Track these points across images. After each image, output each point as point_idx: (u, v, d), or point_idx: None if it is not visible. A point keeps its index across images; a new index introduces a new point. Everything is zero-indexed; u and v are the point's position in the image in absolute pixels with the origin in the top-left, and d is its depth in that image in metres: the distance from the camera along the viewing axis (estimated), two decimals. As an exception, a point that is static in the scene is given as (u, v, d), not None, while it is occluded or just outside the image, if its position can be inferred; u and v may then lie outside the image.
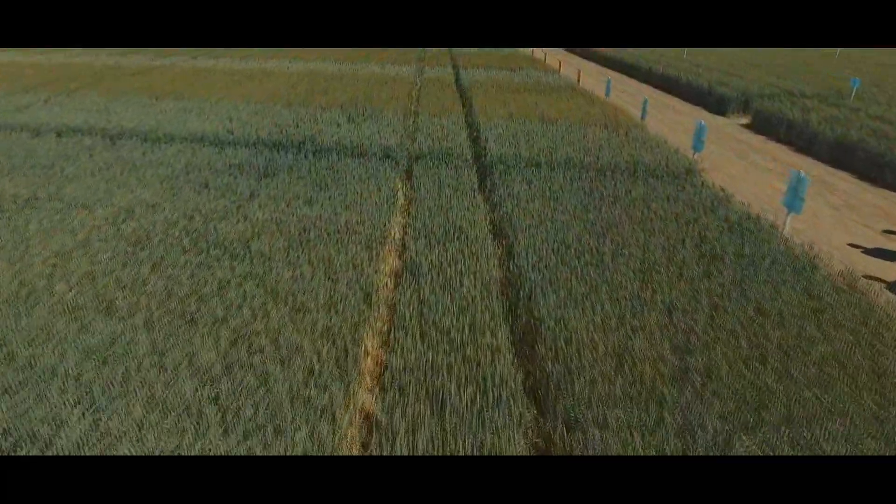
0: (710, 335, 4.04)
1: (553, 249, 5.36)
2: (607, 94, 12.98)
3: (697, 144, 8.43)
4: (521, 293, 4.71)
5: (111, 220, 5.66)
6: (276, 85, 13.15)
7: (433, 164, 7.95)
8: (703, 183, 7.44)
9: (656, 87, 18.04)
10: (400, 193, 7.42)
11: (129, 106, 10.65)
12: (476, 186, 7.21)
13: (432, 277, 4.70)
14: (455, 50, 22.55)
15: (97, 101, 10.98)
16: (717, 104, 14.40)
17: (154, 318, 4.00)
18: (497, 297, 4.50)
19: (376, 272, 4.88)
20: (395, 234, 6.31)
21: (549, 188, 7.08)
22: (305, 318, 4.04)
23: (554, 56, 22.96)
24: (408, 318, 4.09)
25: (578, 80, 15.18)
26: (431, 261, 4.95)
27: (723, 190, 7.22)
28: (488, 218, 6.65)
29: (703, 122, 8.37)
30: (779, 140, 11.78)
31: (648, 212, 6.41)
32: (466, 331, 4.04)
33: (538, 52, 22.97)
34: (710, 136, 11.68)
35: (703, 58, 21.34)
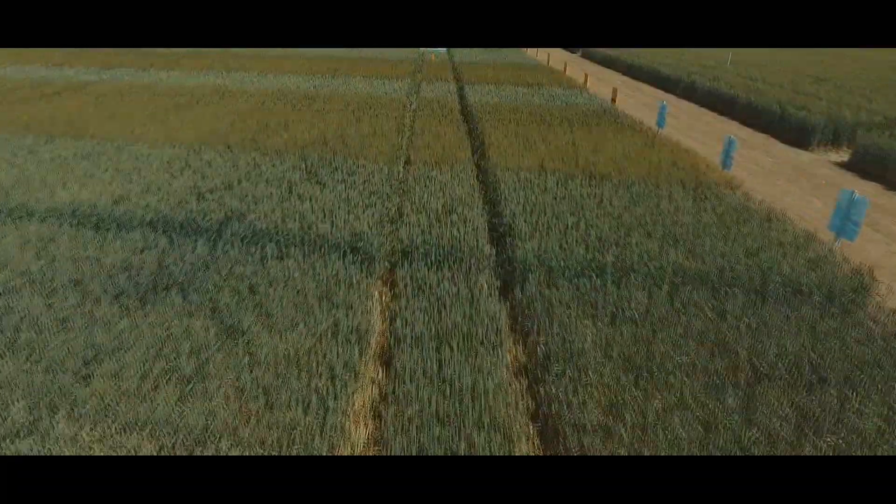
0: None
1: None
2: (661, 124, 9.87)
3: (848, 227, 5.29)
4: None
5: None
6: (224, 111, 10.03)
7: (429, 268, 4.86)
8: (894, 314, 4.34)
9: (701, 104, 14.93)
10: (372, 333, 4.32)
11: (2, 150, 7.55)
12: (502, 324, 4.12)
13: None
14: (456, 56, 19.47)
15: (-38, 142, 7.88)
16: (791, 133, 11.29)
17: None
18: None
19: None
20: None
21: (632, 330, 3.99)
22: None
23: (573, 65, 19.90)
24: None
25: (614, 101, 12.08)
26: None
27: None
28: (534, 417, 3.55)
29: (857, 193, 5.24)
30: (900, 189, 8.68)
31: (840, 411, 3.31)
32: None
33: (555, 63, 19.89)
34: (802, 182, 8.58)
35: (749, 60, 18.22)
